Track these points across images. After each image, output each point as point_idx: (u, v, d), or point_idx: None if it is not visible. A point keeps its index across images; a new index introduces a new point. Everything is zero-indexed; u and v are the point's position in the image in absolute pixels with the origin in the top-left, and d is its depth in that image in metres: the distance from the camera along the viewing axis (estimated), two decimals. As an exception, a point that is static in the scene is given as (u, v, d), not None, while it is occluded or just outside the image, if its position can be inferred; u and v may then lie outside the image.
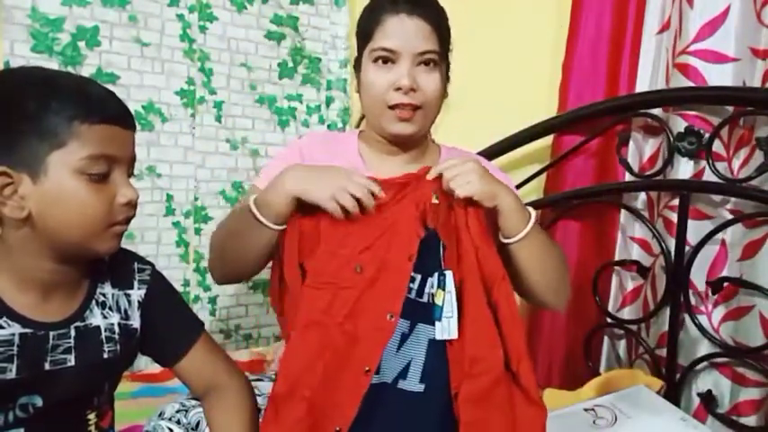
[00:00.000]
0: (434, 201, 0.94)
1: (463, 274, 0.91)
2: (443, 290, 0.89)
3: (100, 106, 0.73)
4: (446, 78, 1.03)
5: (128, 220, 0.78)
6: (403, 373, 0.90)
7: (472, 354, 0.88)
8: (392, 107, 0.98)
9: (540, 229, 0.99)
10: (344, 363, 0.87)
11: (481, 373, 0.88)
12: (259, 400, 0.97)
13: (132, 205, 0.77)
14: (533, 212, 0.97)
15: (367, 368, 0.87)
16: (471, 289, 0.91)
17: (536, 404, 0.89)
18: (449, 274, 0.90)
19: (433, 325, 0.90)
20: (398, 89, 0.96)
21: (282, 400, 0.86)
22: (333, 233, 0.90)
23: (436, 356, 0.90)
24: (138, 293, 0.85)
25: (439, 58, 0.98)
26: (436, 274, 0.91)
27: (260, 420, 0.89)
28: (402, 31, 0.95)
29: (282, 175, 0.91)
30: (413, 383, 0.90)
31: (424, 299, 0.92)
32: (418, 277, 0.92)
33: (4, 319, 0.72)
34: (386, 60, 0.97)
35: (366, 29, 1.00)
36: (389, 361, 0.89)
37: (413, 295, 0.92)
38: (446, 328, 0.89)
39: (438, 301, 0.89)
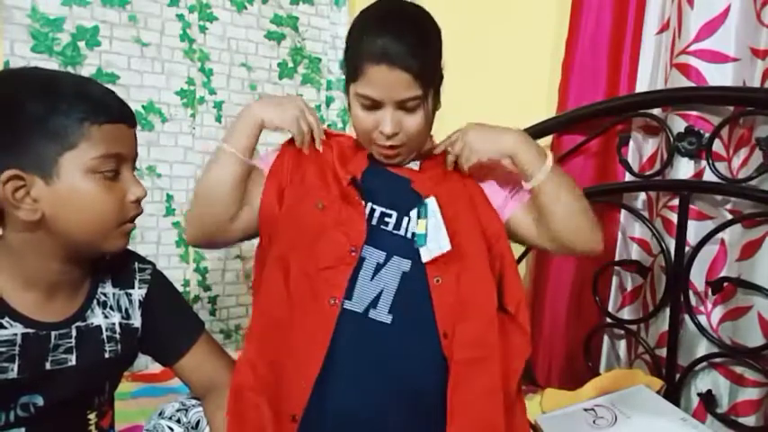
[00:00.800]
0: (415, 168, 1.06)
1: (458, 222, 0.98)
2: (425, 218, 0.97)
3: (105, 106, 0.74)
4: (437, 99, 1.04)
5: (135, 218, 0.79)
6: (374, 303, 0.93)
7: (466, 298, 0.94)
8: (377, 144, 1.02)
9: (561, 168, 1.04)
10: (312, 294, 0.92)
11: (476, 316, 0.93)
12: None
13: (140, 202, 0.79)
14: (548, 151, 1.03)
15: (333, 299, 0.91)
16: (468, 237, 0.98)
17: (527, 336, 0.98)
18: (430, 201, 0.98)
19: (409, 258, 0.95)
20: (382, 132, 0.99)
21: (256, 336, 0.93)
22: (295, 191, 1.01)
23: (408, 291, 0.94)
24: (139, 293, 0.86)
25: (422, 99, 0.97)
26: (417, 208, 0.98)
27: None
28: (383, 83, 0.94)
29: (248, 107, 1.03)
30: (382, 314, 0.93)
31: (401, 232, 0.98)
32: (394, 213, 0.99)
33: (7, 319, 0.72)
34: (370, 107, 0.98)
35: (351, 68, 0.99)
36: (363, 288, 0.93)
37: (390, 228, 0.98)
38: (434, 249, 0.95)
39: (420, 230, 0.96)
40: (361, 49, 0.95)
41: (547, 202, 1.00)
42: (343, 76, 1.05)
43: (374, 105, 0.97)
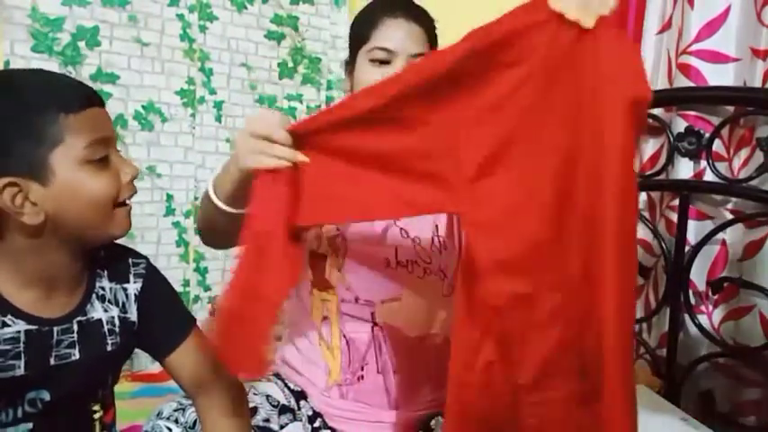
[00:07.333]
0: None
1: None
2: None
3: (75, 93, 0.73)
4: None
5: (130, 198, 0.79)
6: None
7: None
8: None
9: None
10: None
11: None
12: (256, 398, 0.97)
13: (133, 182, 0.79)
14: None
15: None
16: None
17: None
18: None
19: None
20: None
21: None
22: None
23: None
24: (134, 287, 0.86)
25: None
26: None
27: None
28: (399, 33, 1.00)
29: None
30: None
31: None
32: None
33: (9, 317, 0.73)
34: (382, 61, 1.01)
35: (362, 31, 1.03)
36: None
37: None
38: None
39: None
40: (376, 11, 1.03)
41: None
42: (344, 76, 1.07)
43: (386, 60, 1.00)
